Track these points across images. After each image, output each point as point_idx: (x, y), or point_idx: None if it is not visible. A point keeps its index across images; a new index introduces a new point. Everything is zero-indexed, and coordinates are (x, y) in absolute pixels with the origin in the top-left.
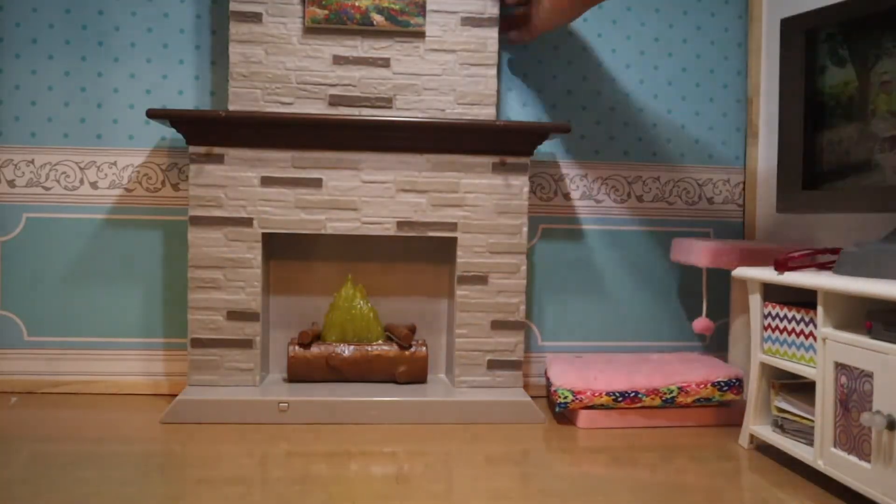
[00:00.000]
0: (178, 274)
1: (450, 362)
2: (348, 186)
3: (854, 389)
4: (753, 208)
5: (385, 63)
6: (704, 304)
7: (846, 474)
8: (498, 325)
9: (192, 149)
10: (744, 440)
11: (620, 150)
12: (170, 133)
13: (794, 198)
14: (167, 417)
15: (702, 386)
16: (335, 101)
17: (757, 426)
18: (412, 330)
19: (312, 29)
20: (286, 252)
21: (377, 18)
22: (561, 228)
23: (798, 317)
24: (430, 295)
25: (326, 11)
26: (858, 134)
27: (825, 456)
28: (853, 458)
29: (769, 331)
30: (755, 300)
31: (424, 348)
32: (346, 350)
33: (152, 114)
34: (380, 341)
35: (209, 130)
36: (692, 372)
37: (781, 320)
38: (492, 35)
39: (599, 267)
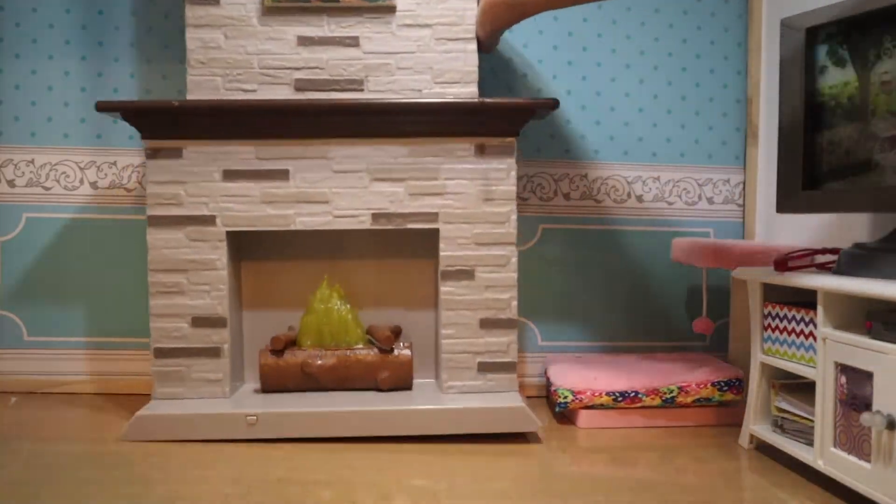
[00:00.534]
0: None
1: (439, 366)
2: (318, 178)
3: (854, 389)
4: (753, 208)
5: (354, 42)
6: (704, 304)
7: (846, 474)
8: (488, 324)
9: (147, 143)
10: (744, 440)
11: (620, 150)
12: None
13: (794, 198)
14: (128, 435)
15: (702, 386)
16: (302, 85)
17: (757, 426)
18: (396, 332)
19: (273, 9)
20: (257, 252)
21: None
22: (561, 228)
23: (798, 317)
24: (416, 293)
25: None
26: (858, 134)
27: (825, 456)
28: (853, 459)
29: (769, 331)
30: (755, 300)
31: (409, 351)
32: (323, 356)
33: (102, 107)
34: (360, 345)
35: (164, 122)
36: (692, 372)
37: (781, 320)
38: (470, 6)
39: (599, 267)
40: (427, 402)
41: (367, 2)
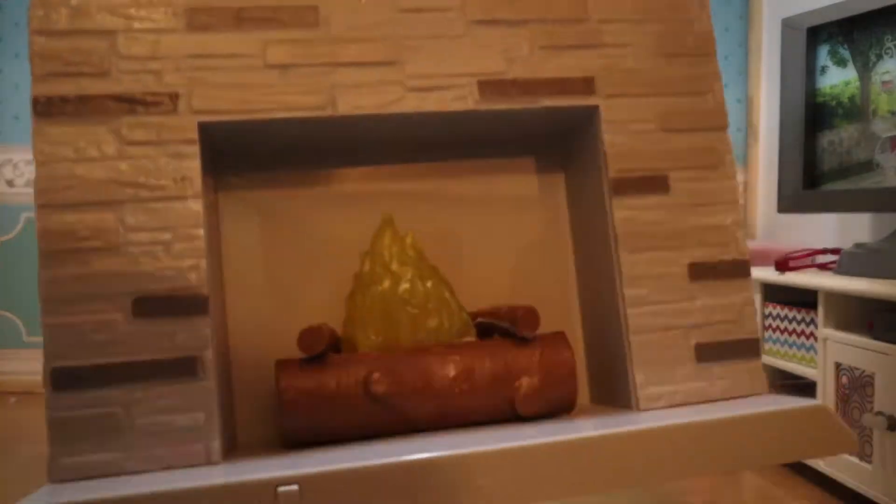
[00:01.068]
0: None
1: (598, 366)
2: (373, 20)
3: (855, 390)
4: (754, 208)
5: None
6: None
7: (847, 475)
8: (703, 272)
9: None
10: None
11: None
12: None
13: (794, 198)
14: None
15: None
16: None
17: None
18: (532, 313)
19: None
20: (253, 170)
21: None
22: None
23: (798, 317)
24: (544, 236)
25: None
26: (859, 134)
27: (826, 457)
28: (854, 459)
29: (769, 331)
30: (755, 300)
31: (567, 346)
32: (402, 364)
33: None
34: (468, 339)
35: None
36: None
37: (782, 321)
38: None
39: None
40: (625, 424)
41: None
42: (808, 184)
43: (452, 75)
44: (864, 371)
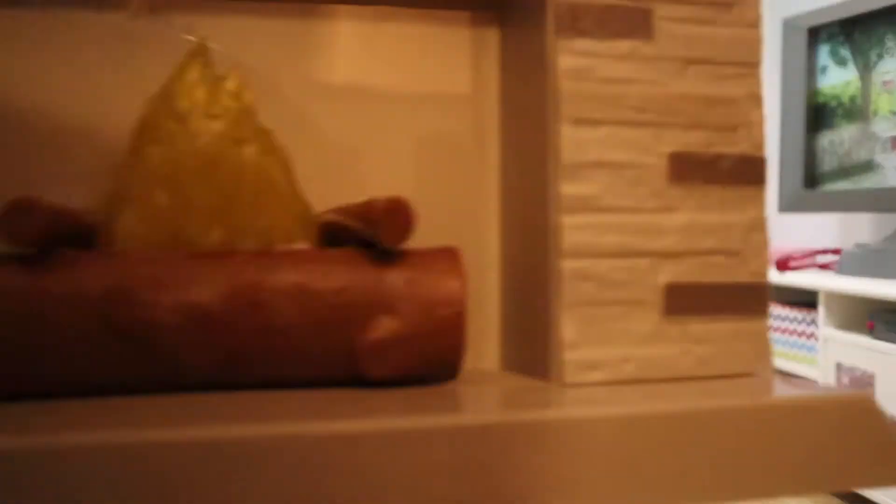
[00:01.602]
0: None
1: (516, 311)
2: None
3: (855, 390)
4: None
5: None
6: None
7: None
8: (692, 170)
9: None
10: None
11: None
12: None
13: (795, 198)
14: None
15: None
16: None
17: None
18: (399, 210)
19: None
20: None
21: None
22: None
23: (799, 317)
24: (459, 120)
25: None
26: (860, 134)
27: None
28: None
29: (770, 331)
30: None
31: (456, 265)
32: (177, 275)
33: None
34: (301, 245)
35: None
36: None
37: (782, 321)
38: None
39: None
40: (541, 408)
41: None
42: (808, 184)
43: None
44: (864, 371)
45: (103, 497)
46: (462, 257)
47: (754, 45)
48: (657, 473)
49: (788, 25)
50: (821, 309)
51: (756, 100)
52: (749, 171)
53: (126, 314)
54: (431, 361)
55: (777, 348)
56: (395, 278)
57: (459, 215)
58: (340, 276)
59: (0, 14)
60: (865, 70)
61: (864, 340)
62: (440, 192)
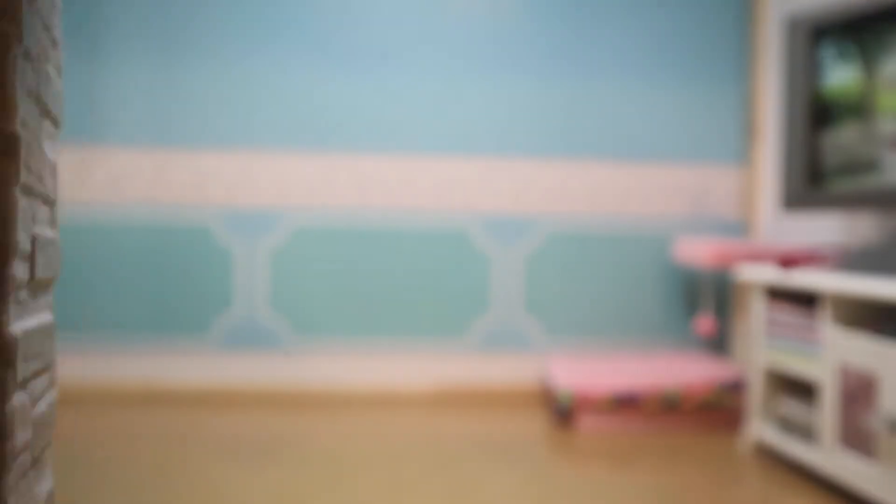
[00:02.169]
0: (176, 273)
1: None
2: None
3: (858, 390)
4: (754, 208)
5: None
6: (707, 304)
7: (851, 475)
8: None
9: None
10: (747, 442)
11: (621, 149)
12: (165, 131)
13: (797, 197)
14: None
15: (704, 387)
16: None
17: (760, 427)
18: None
19: None
20: None
21: None
22: (562, 229)
23: (800, 317)
24: None
25: None
26: (863, 132)
27: (829, 457)
28: (857, 459)
29: (773, 331)
30: (758, 300)
31: None
32: None
33: None
34: None
35: None
36: (695, 373)
37: (783, 320)
38: None
39: (601, 267)
40: None
41: None
42: (811, 182)
43: None
44: (866, 370)
45: None
46: None
47: None
48: None
49: (793, 24)
50: (822, 309)
51: None
52: None
53: None
54: None
55: (778, 348)
56: None
57: None
58: None
59: None
60: (869, 69)
61: (866, 340)
62: None
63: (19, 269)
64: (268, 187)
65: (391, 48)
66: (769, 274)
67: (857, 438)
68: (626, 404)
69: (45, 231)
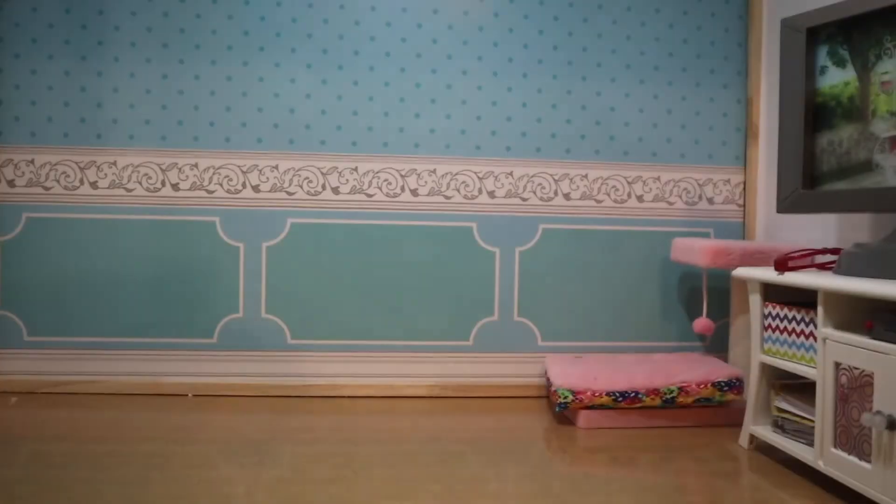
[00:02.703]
0: (178, 274)
1: None
2: None
3: (854, 390)
4: (753, 208)
5: None
6: (705, 304)
7: (846, 474)
8: None
9: None
10: (744, 440)
11: (620, 150)
12: (170, 133)
13: (794, 198)
14: None
15: (702, 386)
16: None
17: (757, 426)
18: None
19: None
20: None
21: None
22: (561, 229)
23: (798, 317)
24: None
25: None
26: (858, 134)
27: (825, 456)
28: (853, 459)
29: (769, 331)
30: (755, 300)
31: None
32: None
33: None
34: None
35: None
36: (692, 372)
37: (782, 320)
38: None
39: (599, 267)
40: None
41: None
42: (807, 184)
43: None
44: (863, 371)
45: None
46: None
47: None
48: None
49: (787, 26)
50: (820, 309)
51: None
52: None
53: None
54: None
55: (776, 348)
56: None
57: None
58: None
59: None
60: (864, 70)
61: (863, 340)
62: None
63: None
64: (270, 188)
65: (392, 50)
66: (766, 274)
67: (852, 437)
68: (624, 403)
69: None
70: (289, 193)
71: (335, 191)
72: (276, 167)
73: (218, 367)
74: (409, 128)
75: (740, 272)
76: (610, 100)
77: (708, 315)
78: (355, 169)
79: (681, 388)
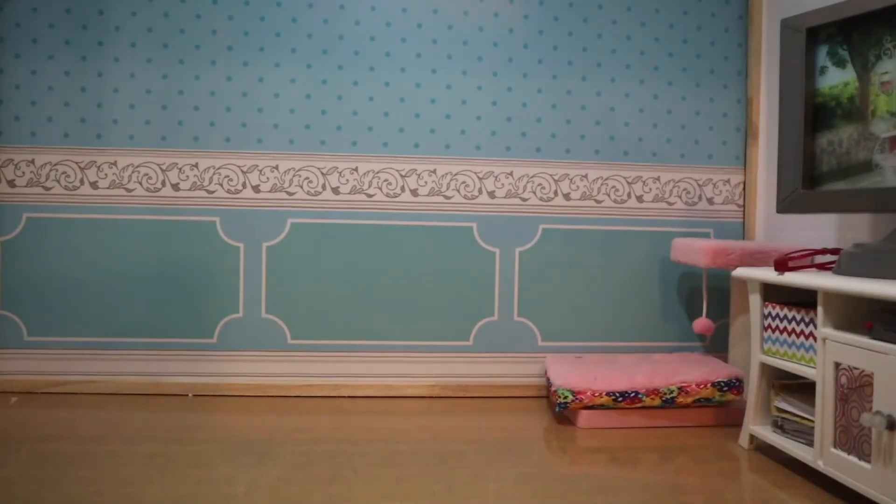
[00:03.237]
0: (178, 274)
1: None
2: None
3: (854, 390)
4: (753, 209)
5: None
6: (704, 304)
7: (846, 475)
8: None
9: None
10: (744, 440)
11: (620, 150)
12: (171, 133)
13: (794, 198)
14: None
15: (702, 386)
16: None
17: (757, 426)
18: None
19: None
20: None
21: None
22: (561, 229)
23: (798, 317)
24: None
25: None
26: (858, 134)
27: (825, 456)
28: (853, 459)
29: (769, 331)
30: (755, 300)
31: None
32: None
33: None
34: None
35: None
36: (692, 372)
37: (781, 320)
38: None
39: (599, 267)
40: None
41: None
42: (807, 184)
43: None
44: (863, 371)
45: None
46: None
47: None
48: None
49: (787, 26)
50: (819, 309)
51: None
52: None
53: None
54: None
55: (776, 348)
56: None
57: None
58: None
59: None
60: (864, 71)
61: (863, 340)
62: None
63: None
64: (270, 188)
65: (392, 50)
66: (766, 274)
67: (852, 437)
68: (624, 403)
69: None
70: (289, 193)
71: (335, 191)
72: (277, 167)
73: (218, 367)
74: (409, 128)
75: (740, 272)
76: (610, 100)
77: (708, 315)
78: (355, 169)
79: (681, 388)
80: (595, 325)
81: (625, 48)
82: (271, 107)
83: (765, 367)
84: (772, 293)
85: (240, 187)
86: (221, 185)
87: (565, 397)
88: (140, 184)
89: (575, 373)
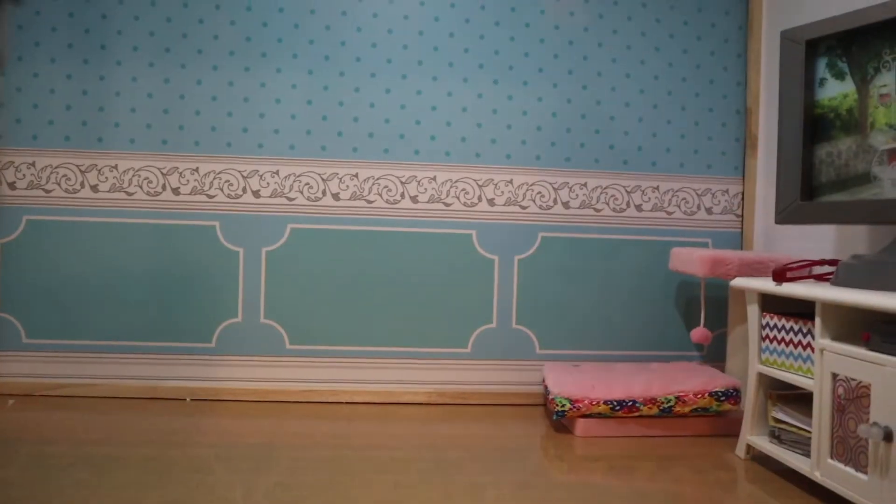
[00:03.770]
0: (178, 278)
1: None
2: None
3: (851, 401)
4: (752, 219)
5: None
6: (702, 313)
7: (843, 485)
8: None
9: None
10: (741, 450)
11: (620, 159)
12: (172, 137)
13: (792, 209)
14: None
15: (699, 395)
16: None
17: (754, 436)
18: None
19: None
20: None
21: None
22: (560, 237)
23: (796, 327)
24: None
25: None
26: (857, 146)
27: (822, 467)
28: (850, 470)
29: (767, 341)
30: (753, 310)
31: None
32: None
33: None
34: None
35: None
36: (690, 381)
37: (779, 331)
38: None
39: (597, 276)
40: None
41: None
42: (805, 195)
43: None
44: (860, 382)
45: None
46: None
47: None
48: None
49: (787, 38)
50: (817, 320)
51: None
52: None
53: None
54: None
55: (773, 358)
56: None
57: None
58: None
59: None
60: (863, 83)
61: (860, 352)
62: None
63: None
64: (270, 193)
65: (394, 57)
66: (764, 284)
67: (848, 448)
68: (622, 411)
69: None
70: (289, 199)
71: (335, 197)
72: (277, 172)
73: (216, 372)
74: (409, 134)
75: (738, 282)
76: (609, 109)
77: (706, 325)
78: (356, 175)
79: (678, 398)
80: (593, 333)
81: (625, 57)
82: (272, 112)
83: (762, 378)
84: (770, 303)
85: (240, 192)
86: (222, 189)
87: (563, 405)
88: (140, 187)
89: (573, 381)
